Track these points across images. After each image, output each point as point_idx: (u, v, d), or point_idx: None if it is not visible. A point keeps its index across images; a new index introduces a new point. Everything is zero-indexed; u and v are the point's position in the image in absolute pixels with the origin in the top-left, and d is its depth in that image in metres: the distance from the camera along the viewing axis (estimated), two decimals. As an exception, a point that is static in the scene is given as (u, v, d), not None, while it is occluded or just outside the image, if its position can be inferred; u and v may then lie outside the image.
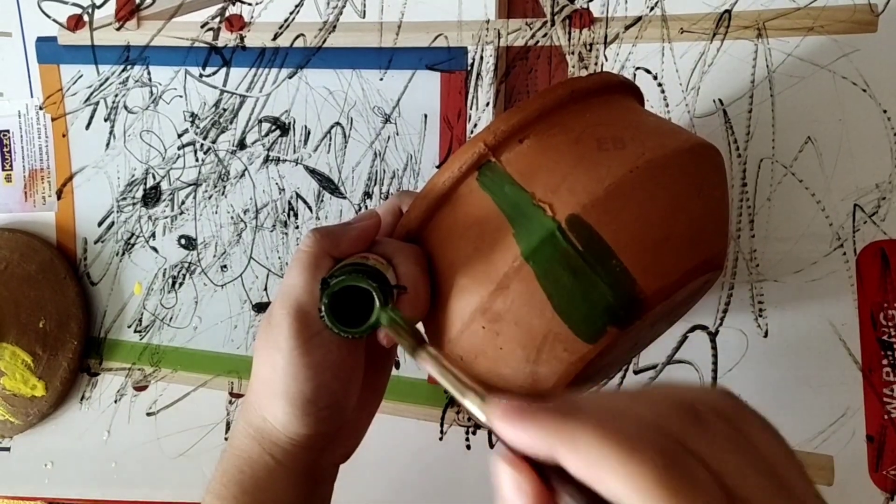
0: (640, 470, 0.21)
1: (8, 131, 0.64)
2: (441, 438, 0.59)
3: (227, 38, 0.61)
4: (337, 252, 0.39)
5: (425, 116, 0.59)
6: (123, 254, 0.63)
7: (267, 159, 0.61)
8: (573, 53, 0.58)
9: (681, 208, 0.38)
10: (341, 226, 0.40)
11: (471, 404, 0.26)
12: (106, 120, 0.63)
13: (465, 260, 0.38)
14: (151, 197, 0.63)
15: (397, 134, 0.60)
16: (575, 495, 0.22)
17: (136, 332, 0.63)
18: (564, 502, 0.22)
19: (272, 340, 0.38)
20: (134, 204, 0.63)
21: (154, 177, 0.62)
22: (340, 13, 0.60)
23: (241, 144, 0.61)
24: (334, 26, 0.60)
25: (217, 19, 0.61)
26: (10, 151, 0.64)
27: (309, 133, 0.61)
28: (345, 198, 0.61)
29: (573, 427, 0.22)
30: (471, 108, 0.59)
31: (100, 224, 0.63)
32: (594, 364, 0.39)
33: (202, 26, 0.61)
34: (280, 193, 0.61)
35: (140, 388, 0.63)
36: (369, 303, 0.35)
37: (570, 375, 0.39)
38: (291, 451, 0.40)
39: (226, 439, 0.60)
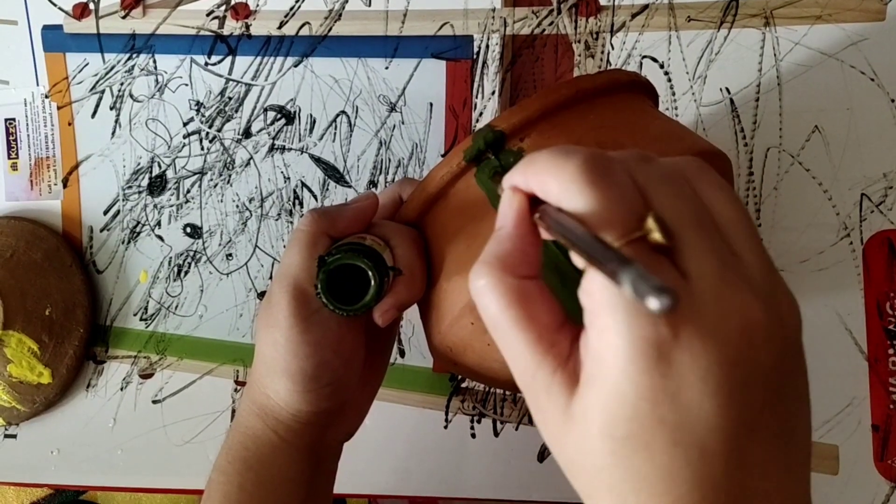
0: (567, 166, 0.25)
1: (14, 119, 0.64)
2: (446, 427, 0.59)
3: (232, 27, 0.61)
4: (334, 231, 0.39)
5: (431, 105, 0.59)
6: (129, 242, 0.63)
7: (272, 148, 0.61)
8: (579, 42, 0.58)
9: None
10: (339, 206, 0.41)
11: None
12: (111, 108, 0.63)
13: (457, 256, 0.38)
14: (157, 185, 0.63)
15: (403, 123, 0.60)
16: (544, 211, 0.27)
17: (141, 320, 0.63)
18: (535, 217, 0.27)
19: (272, 319, 0.38)
20: (139, 192, 0.63)
21: (159, 165, 0.62)
22: (346, 1, 0.60)
23: (247, 133, 0.61)
24: (340, 14, 0.60)
25: (222, 7, 0.61)
26: (15, 140, 0.64)
27: (314, 122, 0.61)
28: (350, 186, 0.61)
29: (539, 152, 0.27)
30: (476, 97, 0.59)
31: (105, 212, 0.63)
32: None
33: (208, 14, 0.61)
34: (285, 182, 0.61)
35: (146, 375, 0.63)
36: (366, 282, 0.36)
37: None
38: (295, 427, 0.41)
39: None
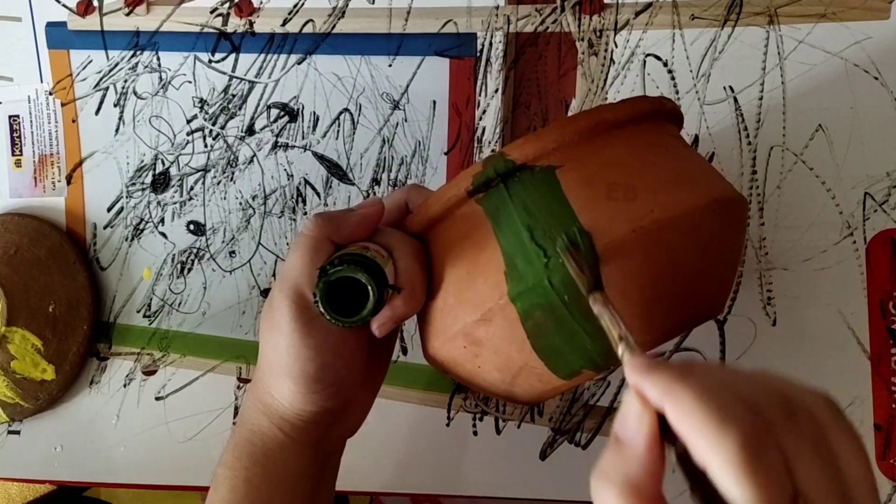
0: (726, 443, 0.24)
1: (18, 116, 0.64)
2: (448, 424, 0.59)
3: (236, 24, 0.61)
4: (338, 237, 0.39)
5: (434, 103, 0.59)
6: (132, 239, 0.63)
7: (275, 145, 0.61)
8: (583, 40, 0.57)
9: (680, 268, 0.36)
10: (344, 211, 0.40)
11: (620, 351, 0.30)
12: (115, 105, 0.63)
13: (456, 280, 0.38)
14: (160, 182, 0.63)
15: (406, 120, 0.60)
16: (678, 449, 0.25)
17: (145, 317, 0.63)
18: (668, 449, 0.26)
19: (274, 323, 0.39)
20: (143, 189, 0.63)
21: (163, 162, 0.63)
22: (349, -1, 0.60)
23: (250, 130, 0.61)
24: (343, 12, 0.60)
25: (226, 5, 0.61)
26: (19, 137, 0.64)
27: (317, 119, 0.61)
28: (353, 184, 0.61)
29: (682, 386, 0.25)
30: (480, 95, 0.59)
31: (109, 209, 0.63)
32: (570, 390, 0.39)
33: (211, 12, 0.61)
34: (288, 180, 0.61)
35: (149, 372, 0.63)
36: (365, 294, 0.36)
37: (542, 399, 0.40)
38: (300, 425, 0.41)
39: (234, 423, 0.61)
